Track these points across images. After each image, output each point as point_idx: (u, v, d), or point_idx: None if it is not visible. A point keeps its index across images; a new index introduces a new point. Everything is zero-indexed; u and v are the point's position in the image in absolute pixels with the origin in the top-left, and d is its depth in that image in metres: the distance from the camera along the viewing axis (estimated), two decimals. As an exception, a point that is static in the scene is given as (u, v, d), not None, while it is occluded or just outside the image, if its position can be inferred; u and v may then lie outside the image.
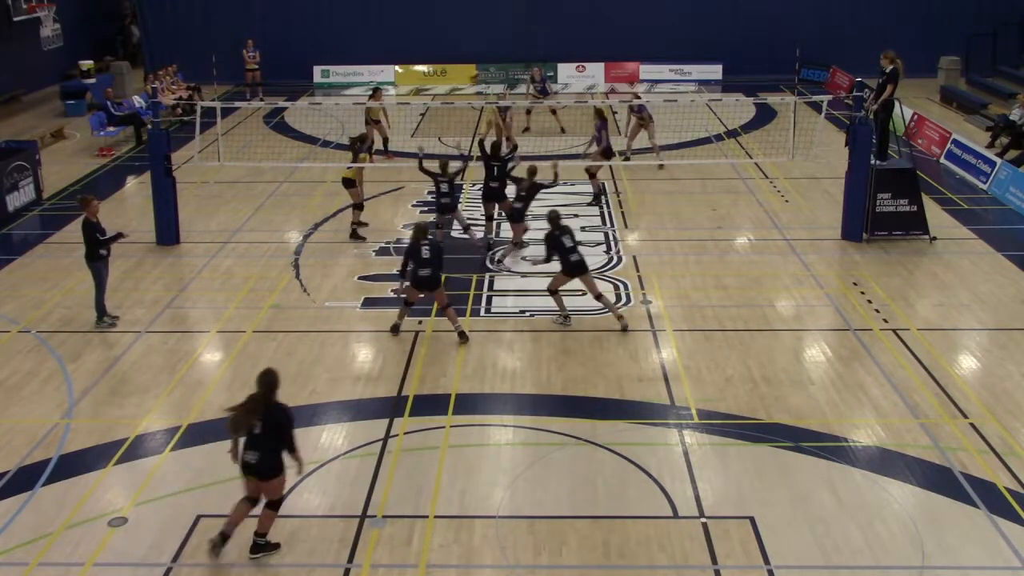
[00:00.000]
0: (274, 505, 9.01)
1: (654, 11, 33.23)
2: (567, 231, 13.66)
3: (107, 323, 13.92)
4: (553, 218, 13.76)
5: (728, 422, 11.29)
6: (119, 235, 14.16)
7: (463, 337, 13.25)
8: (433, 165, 16.65)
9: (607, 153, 19.76)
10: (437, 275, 13.07)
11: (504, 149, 18.37)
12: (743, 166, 21.76)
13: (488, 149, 17.21)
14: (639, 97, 22.94)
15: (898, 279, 15.48)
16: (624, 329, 13.54)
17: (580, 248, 13.78)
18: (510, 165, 17.10)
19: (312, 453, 10.74)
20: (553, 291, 13.92)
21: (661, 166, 21.47)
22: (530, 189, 16.38)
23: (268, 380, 8.90)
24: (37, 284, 15.71)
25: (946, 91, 29.67)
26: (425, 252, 12.91)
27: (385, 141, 22.78)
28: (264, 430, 8.79)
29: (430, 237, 13.21)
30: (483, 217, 17.53)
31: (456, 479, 10.21)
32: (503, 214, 17.32)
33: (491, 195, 17.17)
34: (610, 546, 9.12)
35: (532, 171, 16.47)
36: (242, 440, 8.89)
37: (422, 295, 13.34)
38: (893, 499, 9.79)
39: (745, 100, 26.79)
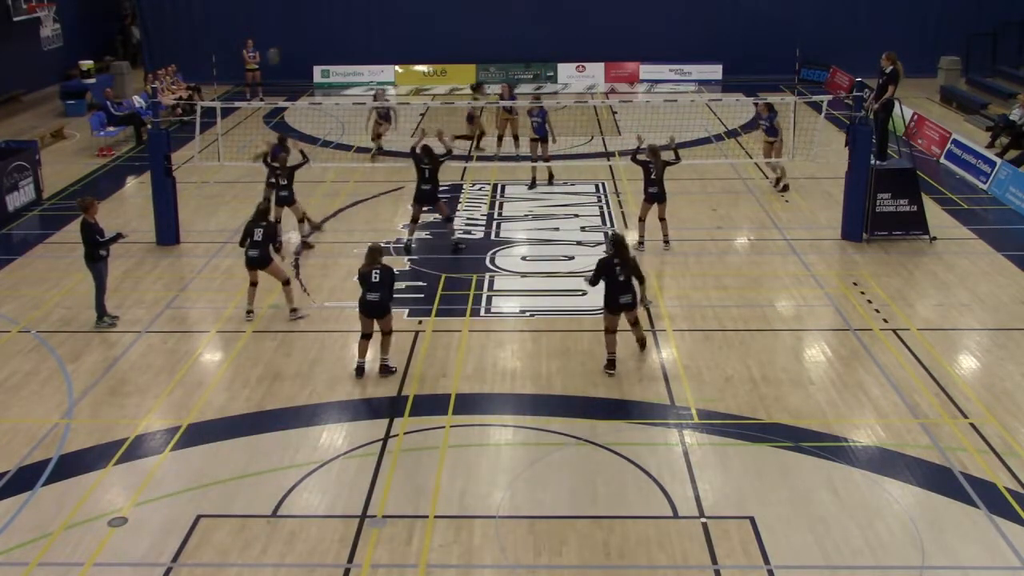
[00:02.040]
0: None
1: (654, 11, 33.23)
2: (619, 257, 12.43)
3: (107, 323, 13.92)
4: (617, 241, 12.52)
5: (728, 422, 11.29)
6: (118, 236, 14.18)
7: (385, 371, 12.47)
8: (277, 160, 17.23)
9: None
10: (386, 301, 12.29)
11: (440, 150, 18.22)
12: (743, 166, 21.76)
13: (419, 151, 16.83)
14: (770, 108, 19.95)
15: (898, 279, 15.48)
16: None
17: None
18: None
19: (312, 453, 10.76)
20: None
21: (785, 188, 20.02)
22: (660, 171, 16.54)
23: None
24: (37, 284, 15.71)
25: (946, 91, 29.67)
26: (375, 276, 12.21)
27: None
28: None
29: (383, 262, 12.46)
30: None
31: (456, 479, 10.21)
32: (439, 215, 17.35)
33: (422, 198, 16.89)
34: (610, 546, 9.12)
35: (656, 151, 16.55)
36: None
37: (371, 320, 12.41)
38: (893, 499, 9.79)
39: (745, 100, 26.80)
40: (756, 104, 20.78)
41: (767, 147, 20.32)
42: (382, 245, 12.99)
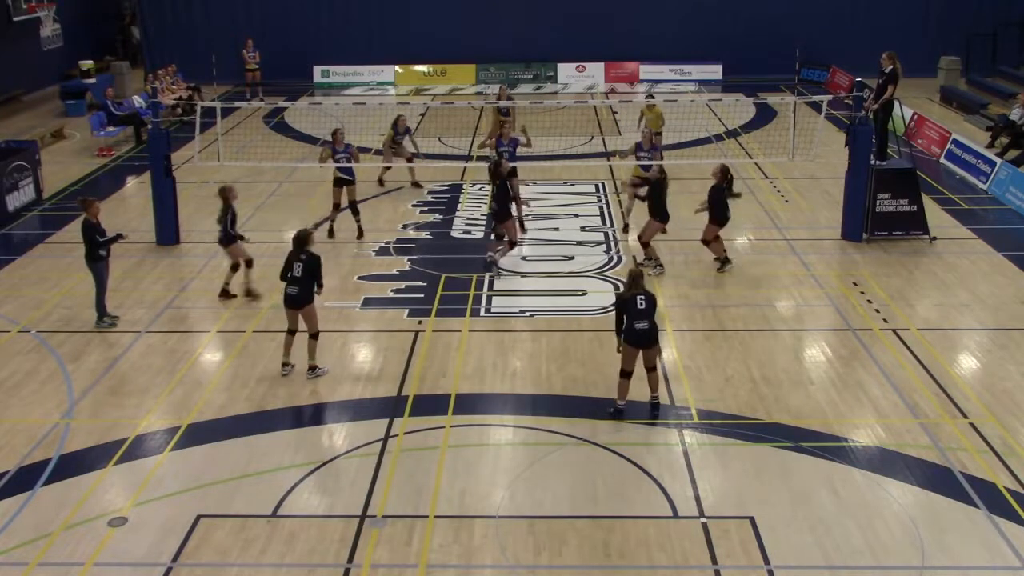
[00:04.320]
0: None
1: (654, 11, 33.23)
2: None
3: (107, 323, 13.92)
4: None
5: (728, 422, 11.29)
6: (119, 236, 14.17)
7: (655, 409, 11.52)
8: None
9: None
10: (656, 330, 11.32)
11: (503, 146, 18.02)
12: (743, 166, 21.76)
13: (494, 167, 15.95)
14: (654, 143, 17.62)
15: (898, 279, 15.48)
16: None
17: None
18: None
19: (312, 453, 10.76)
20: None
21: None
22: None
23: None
24: (37, 284, 15.70)
25: (946, 91, 29.67)
26: (641, 303, 11.11)
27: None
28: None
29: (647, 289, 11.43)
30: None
31: (456, 479, 10.21)
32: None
33: (492, 214, 16.28)
34: (610, 546, 9.12)
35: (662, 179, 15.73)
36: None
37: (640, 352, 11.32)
38: (893, 499, 9.79)
39: (745, 100, 26.81)
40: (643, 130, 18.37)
41: (632, 191, 17.25)
42: (641, 269, 11.94)
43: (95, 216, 13.91)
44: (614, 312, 11.46)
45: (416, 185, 20.82)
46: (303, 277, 12.25)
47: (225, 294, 14.83)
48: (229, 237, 14.67)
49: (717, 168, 15.67)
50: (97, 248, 13.77)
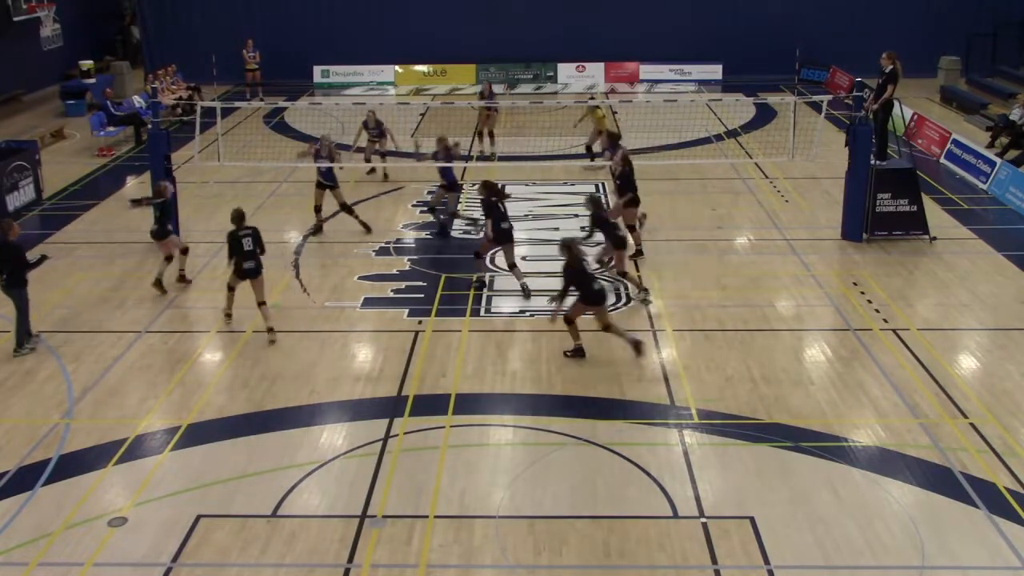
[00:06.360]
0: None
1: (654, 11, 33.24)
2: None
3: (27, 350, 13.20)
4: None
5: (728, 422, 11.29)
6: (44, 258, 13.66)
7: (638, 346, 12.74)
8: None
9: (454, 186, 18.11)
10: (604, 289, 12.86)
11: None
12: (743, 166, 21.76)
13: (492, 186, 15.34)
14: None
15: (898, 279, 15.48)
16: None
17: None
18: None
19: (312, 453, 10.76)
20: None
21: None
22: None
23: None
24: (37, 284, 15.60)
25: (946, 91, 29.68)
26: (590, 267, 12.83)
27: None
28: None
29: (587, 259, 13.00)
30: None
31: (456, 479, 10.21)
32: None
33: (504, 237, 15.04)
34: (610, 546, 9.13)
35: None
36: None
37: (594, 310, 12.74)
38: (893, 499, 9.80)
39: (745, 100, 26.81)
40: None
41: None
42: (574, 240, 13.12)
43: (15, 238, 13.34)
44: (563, 281, 12.64)
45: (384, 176, 21.52)
46: (255, 249, 13.41)
47: (159, 284, 15.07)
48: (164, 231, 15.27)
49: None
50: (24, 271, 13.21)
